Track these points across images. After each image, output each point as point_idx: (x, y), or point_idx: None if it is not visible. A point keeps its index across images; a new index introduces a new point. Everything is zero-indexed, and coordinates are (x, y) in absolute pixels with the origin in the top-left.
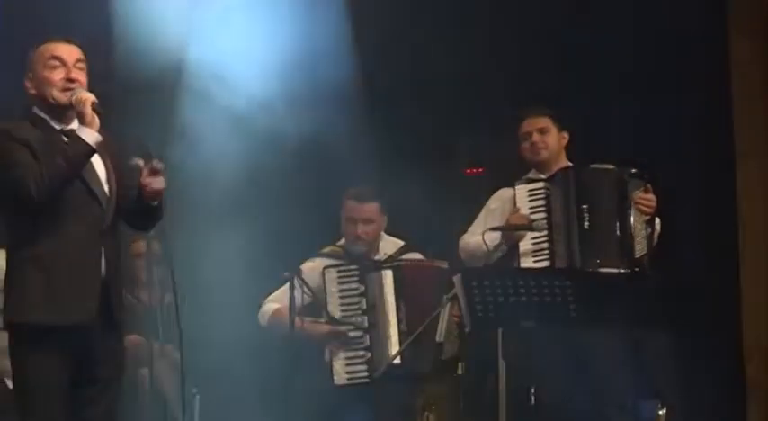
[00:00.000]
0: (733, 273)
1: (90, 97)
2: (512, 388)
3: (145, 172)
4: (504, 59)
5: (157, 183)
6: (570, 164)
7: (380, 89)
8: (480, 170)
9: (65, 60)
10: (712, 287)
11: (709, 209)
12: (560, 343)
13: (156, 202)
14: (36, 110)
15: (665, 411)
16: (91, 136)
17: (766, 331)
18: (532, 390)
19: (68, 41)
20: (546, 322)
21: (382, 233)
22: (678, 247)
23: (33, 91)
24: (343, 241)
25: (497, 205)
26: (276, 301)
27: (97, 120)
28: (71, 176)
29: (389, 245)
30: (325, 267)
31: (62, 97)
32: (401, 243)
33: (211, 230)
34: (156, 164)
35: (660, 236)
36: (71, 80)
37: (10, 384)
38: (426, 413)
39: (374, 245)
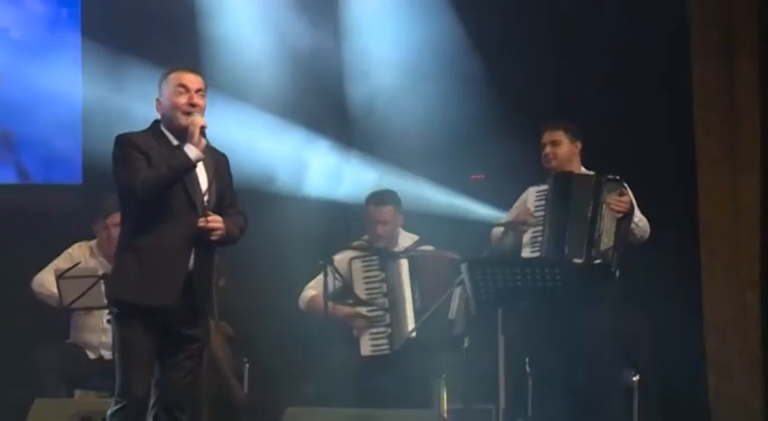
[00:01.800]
0: (696, 268)
1: (201, 122)
2: (510, 358)
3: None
4: (506, 78)
5: (214, 235)
6: (583, 168)
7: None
8: (481, 176)
9: (189, 88)
10: (679, 280)
11: (674, 211)
12: (551, 320)
13: (220, 238)
14: (161, 127)
15: (638, 378)
16: (193, 153)
17: (721, 315)
18: (527, 360)
19: (194, 72)
20: (538, 303)
21: (400, 228)
22: (653, 244)
23: (161, 112)
24: (367, 236)
25: (518, 202)
26: (313, 289)
27: (204, 142)
28: (170, 183)
29: (406, 239)
30: (352, 258)
31: (183, 119)
32: (416, 237)
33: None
34: (202, 222)
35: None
36: (192, 105)
37: (100, 355)
38: (438, 380)
39: (393, 240)
